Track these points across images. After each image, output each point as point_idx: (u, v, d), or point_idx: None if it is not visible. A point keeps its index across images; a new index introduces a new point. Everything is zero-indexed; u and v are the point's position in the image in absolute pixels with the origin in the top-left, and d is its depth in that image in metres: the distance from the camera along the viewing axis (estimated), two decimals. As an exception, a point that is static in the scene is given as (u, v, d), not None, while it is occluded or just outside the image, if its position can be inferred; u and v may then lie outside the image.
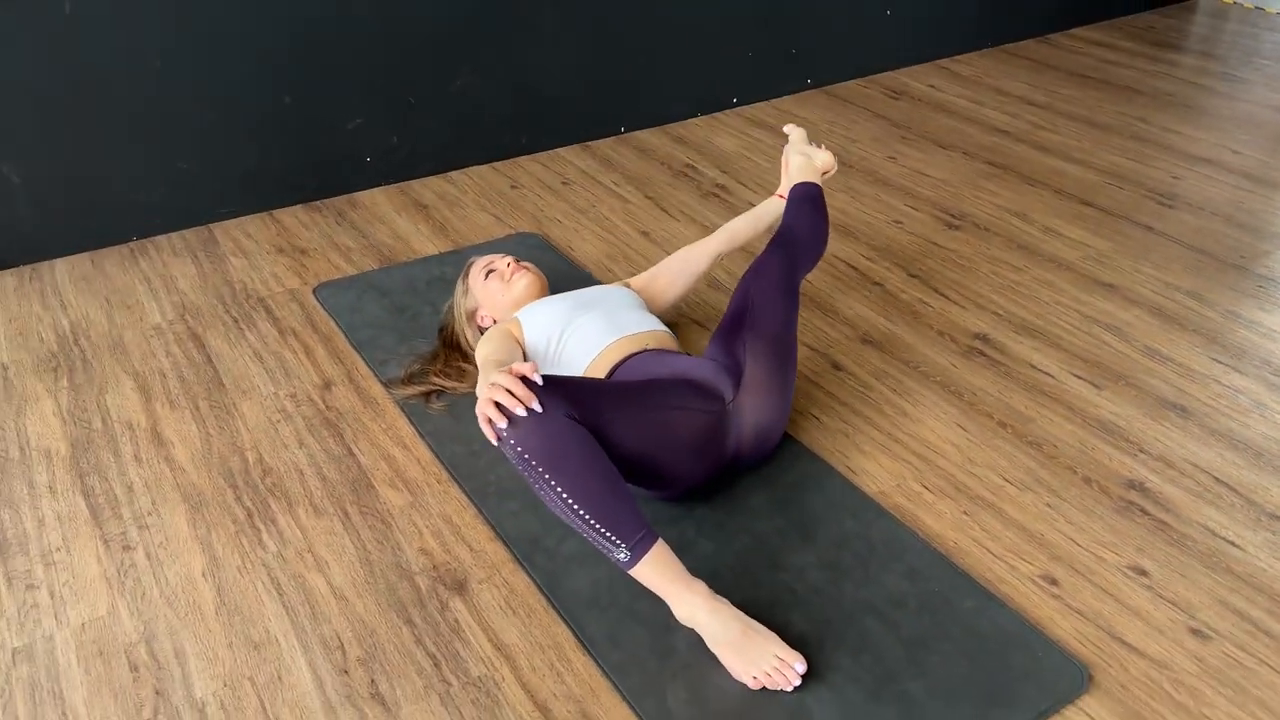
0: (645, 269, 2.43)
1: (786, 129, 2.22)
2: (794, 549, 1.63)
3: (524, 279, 1.98)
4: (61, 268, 2.46)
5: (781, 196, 2.12)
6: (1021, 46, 3.99)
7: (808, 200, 2.01)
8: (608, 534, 1.39)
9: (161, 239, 2.59)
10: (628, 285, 2.09)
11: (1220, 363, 2.09)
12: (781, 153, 3.04)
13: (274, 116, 2.62)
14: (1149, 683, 1.41)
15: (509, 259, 2.01)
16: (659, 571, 1.42)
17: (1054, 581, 1.57)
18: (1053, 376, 2.05)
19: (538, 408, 1.38)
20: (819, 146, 2.17)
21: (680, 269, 2.10)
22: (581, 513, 1.38)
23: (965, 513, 1.71)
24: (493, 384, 1.40)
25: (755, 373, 1.70)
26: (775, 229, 2.05)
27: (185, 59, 2.44)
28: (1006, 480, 1.78)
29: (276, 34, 2.53)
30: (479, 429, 1.88)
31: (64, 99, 2.35)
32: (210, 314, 2.27)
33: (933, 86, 3.59)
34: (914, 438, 1.88)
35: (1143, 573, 1.59)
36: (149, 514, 1.71)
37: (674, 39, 3.16)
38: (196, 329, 2.21)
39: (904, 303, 2.31)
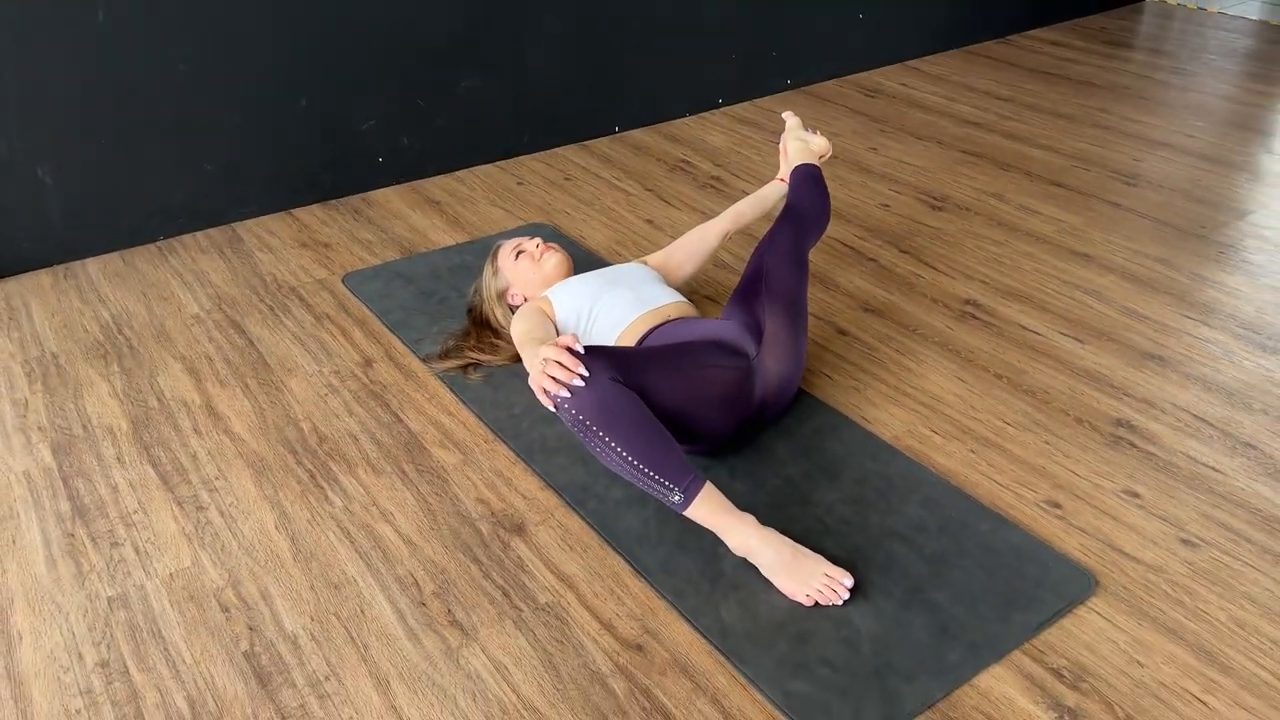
0: (654, 251, 2.58)
1: (784, 115, 2.39)
2: (820, 488, 1.78)
3: (554, 257, 2.11)
4: (94, 266, 2.56)
5: (782, 180, 2.29)
6: (984, 47, 4.22)
7: (809, 179, 2.17)
8: (663, 480, 1.53)
9: (188, 238, 2.70)
10: (645, 263, 2.23)
11: (1191, 318, 2.28)
12: (777, 142, 3.22)
13: (292, 119, 2.74)
14: (1148, 584, 1.58)
15: (537, 240, 2.15)
16: (711, 509, 1.56)
17: (1057, 505, 1.74)
18: (1040, 335, 2.23)
19: (585, 371, 1.53)
20: (814, 132, 2.34)
21: (693, 248, 2.25)
22: (636, 464, 1.53)
23: (972, 451, 1.87)
24: (544, 359, 1.54)
25: (774, 329, 1.85)
26: (779, 209, 2.21)
27: (209, 65, 2.56)
28: (1007, 423, 1.95)
29: (294, 40, 2.66)
30: (518, 395, 2.02)
31: (95, 104, 2.46)
32: (245, 303, 2.38)
33: (905, 85, 3.80)
34: (919, 390, 2.05)
35: (1135, 495, 1.76)
36: (216, 479, 1.83)
37: (664, 44, 3.33)
38: (234, 317, 2.32)
39: (898, 275, 2.48)
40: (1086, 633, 1.49)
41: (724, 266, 2.53)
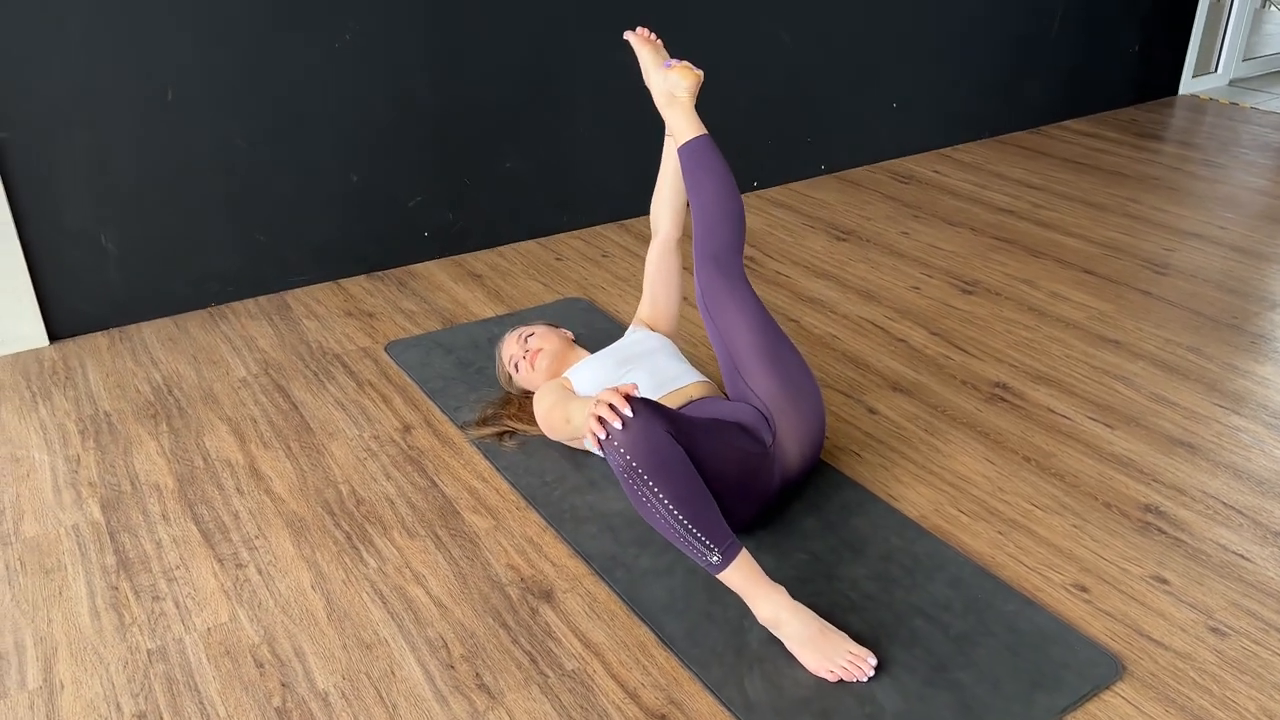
0: (688, 328, 2.64)
1: (627, 37, 2.03)
2: (846, 563, 1.80)
3: (543, 360, 2.11)
4: (148, 330, 2.67)
5: (673, 136, 1.99)
6: (1016, 137, 4.30)
7: (699, 169, 1.89)
8: (704, 539, 1.55)
9: (238, 305, 2.80)
10: (643, 322, 2.21)
11: (1221, 407, 2.28)
12: (811, 225, 3.26)
13: (343, 194, 2.86)
14: (1176, 671, 1.57)
15: (523, 349, 2.14)
16: (745, 574, 1.58)
17: (1084, 589, 1.74)
18: (1069, 419, 2.24)
19: (628, 413, 1.52)
20: (675, 64, 1.95)
21: (664, 278, 2.17)
22: (681, 518, 1.54)
23: (999, 533, 1.88)
24: (599, 400, 1.57)
25: (779, 409, 1.82)
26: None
27: (266, 142, 2.70)
28: (1034, 505, 1.96)
29: (347, 120, 2.79)
30: (551, 464, 2.06)
31: (159, 176, 2.59)
32: (291, 369, 2.46)
33: (937, 172, 3.88)
34: (947, 470, 2.07)
35: (1164, 581, 1.76)
36: (256, 537, 1.88)
37: (701, 127, 3.44)
38: (280, 381, 2.40)
39: (928, 357, 2.52)
40: (1112, 718, 1.49)
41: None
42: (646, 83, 2.01)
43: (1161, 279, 2.94)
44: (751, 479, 1.76)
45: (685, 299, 2.78)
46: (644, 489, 1.53)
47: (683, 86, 1.94)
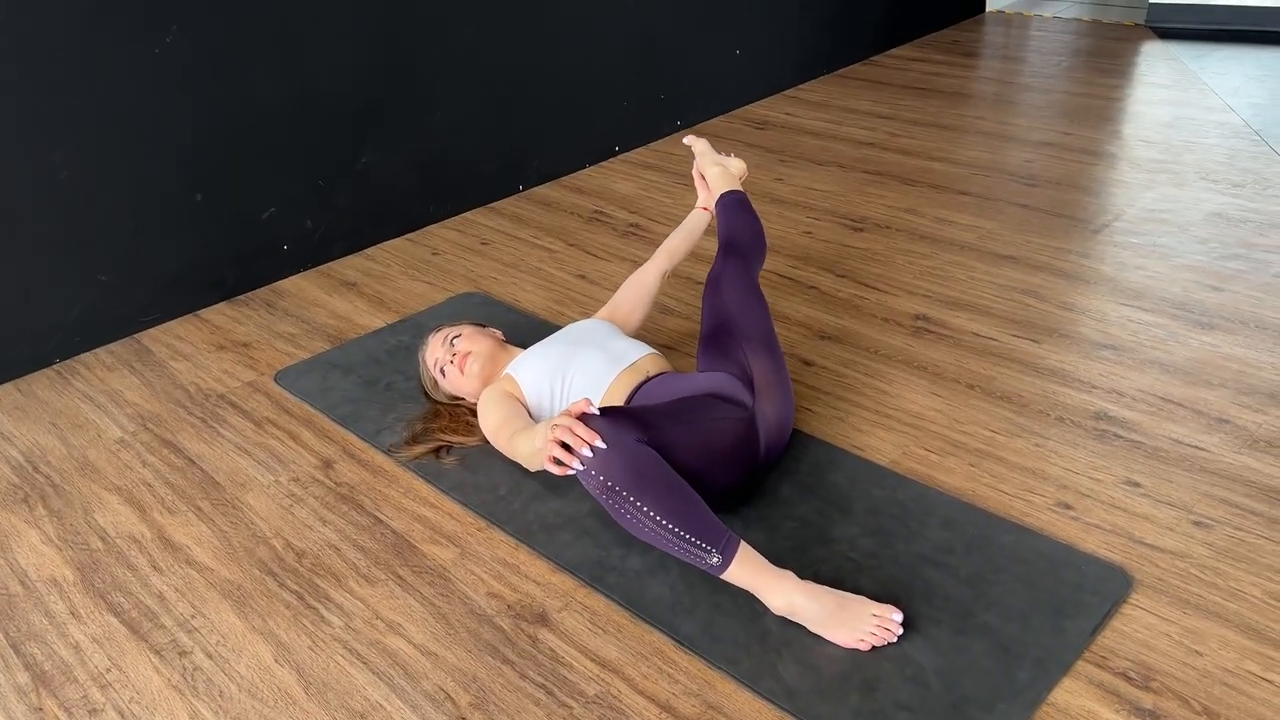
0: (595, 308, 2.52)
1: (687, 141, 2.29)
2: (837, 524, 1.74)
3: (475, 362, 1.96)
4: (-14, 401, 2.32)
5: (705, 209, 2.22)
6: (853, 70, 4.35)
7: (737, 205, 2.09)
8: (699, 543, 1.46)
9: (89, 356, 2.47)
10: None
11: (1126, 305, 2.36)
12: (684, 183, 3.21)
13: (188, 216, 2.56)
14: (1179, 572, 1.60)
15: (448, 342, 2.00)
16: (750, 568, 1.50)
17: (1068, 506, 1.75)
18: (996, 340, 2.27)
19: (601, 445, 1.44)
20: (729, 155, 2.29)
21: (636, 295, 2.16)
22: (672, 527, 1.45)
23: (971, 465, 1.87)
24: (555, 425, 1.45)
25: (762, 374, 1.80)
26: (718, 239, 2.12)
27: (92, 169, 2.37)
28: (994, 431, 1.96)
29: (181, 133, 2.49)
30: (500, 475, 1.91)
31: (-30, 224, 2.23)
32: (173, 419, 2.19)
33: (789, 114, 3.87)
34: (900, 410, 2.04)
35: (1136, 485, 1.79)
36: (192, 617, 1.65)
37: (556, 99, 3.28)
38: (165, 435, 2.13)
39: (842, 300, 2.49)
40: (1138, 630, 1.50)
41: (670, 312, 2.49)
42: (697, 170, 2.24)
43: (1033, 190, 3.02)
44: (740, 445, 1.70)
45: (647, 338, 2.65)
46: (626, 505, 1.45)
47: (736, 165, 2.24)
